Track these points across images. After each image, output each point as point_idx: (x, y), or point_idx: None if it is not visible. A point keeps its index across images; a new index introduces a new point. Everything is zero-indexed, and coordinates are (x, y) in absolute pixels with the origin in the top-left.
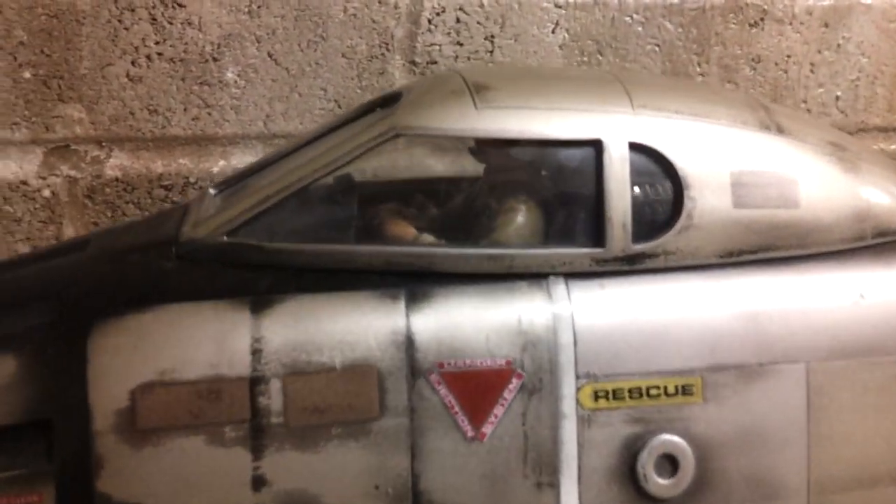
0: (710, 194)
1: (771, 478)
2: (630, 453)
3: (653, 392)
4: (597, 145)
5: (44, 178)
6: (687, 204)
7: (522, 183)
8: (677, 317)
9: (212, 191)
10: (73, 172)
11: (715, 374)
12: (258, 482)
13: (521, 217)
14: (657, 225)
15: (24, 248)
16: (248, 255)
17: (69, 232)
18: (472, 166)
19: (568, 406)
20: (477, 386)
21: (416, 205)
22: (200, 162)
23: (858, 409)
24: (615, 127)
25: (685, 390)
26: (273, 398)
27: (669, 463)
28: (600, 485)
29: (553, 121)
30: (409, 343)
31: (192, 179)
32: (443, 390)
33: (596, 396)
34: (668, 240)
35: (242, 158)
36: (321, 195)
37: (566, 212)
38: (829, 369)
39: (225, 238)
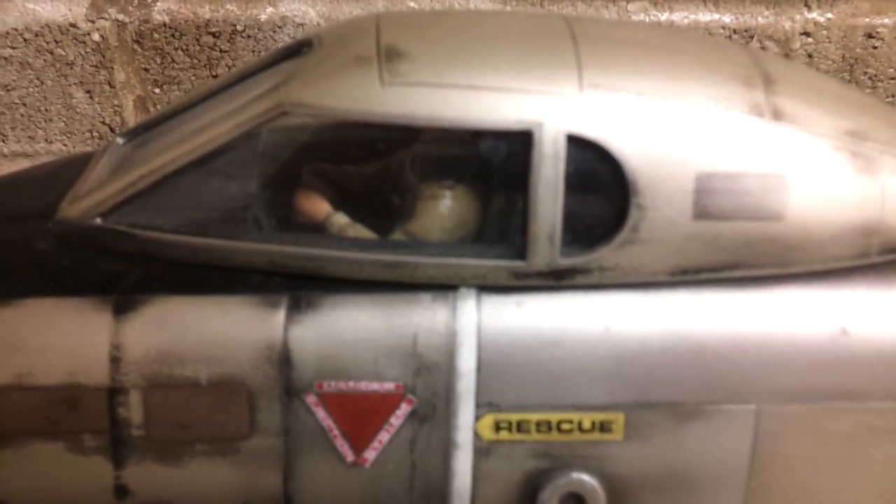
0: (664, 202)
1: None
2: (531, 489)
3: (564, 426)
4: (526, 137)
5: (92, 22)
6: (633, 214)
7: (450, 165)
8: (603, 344)
9: (119, 140)
10: (121, 16)
11: (641, 411)
12: (121, 491)
13: (445, 207)
14: (594, 236)
15: (79, 93)
16: (120, 244)
17: (121, 77)
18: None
19: (463, 436)
20: (360, 410)
21: (342, 171)
22: (248, 8)
23: (817, 460)
24: (553, 114)
25: (603, 427)
26: (133, 410)
27: (576, 502)
28: None
29: (474, 104)
30: (284, 360)
31: (239, 27)
32: (321, 413)
33: (497, 427)
34: (604, 254)
35: (291, 6)
36: (209, 171)
37: (488, 213)
38: (785, 414)
39: (98, 221)
